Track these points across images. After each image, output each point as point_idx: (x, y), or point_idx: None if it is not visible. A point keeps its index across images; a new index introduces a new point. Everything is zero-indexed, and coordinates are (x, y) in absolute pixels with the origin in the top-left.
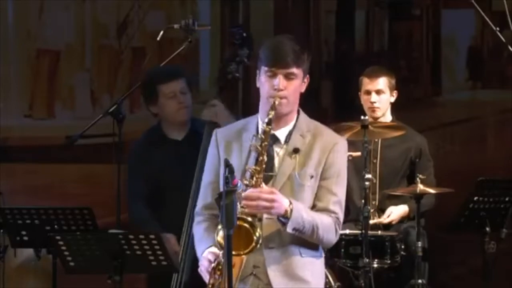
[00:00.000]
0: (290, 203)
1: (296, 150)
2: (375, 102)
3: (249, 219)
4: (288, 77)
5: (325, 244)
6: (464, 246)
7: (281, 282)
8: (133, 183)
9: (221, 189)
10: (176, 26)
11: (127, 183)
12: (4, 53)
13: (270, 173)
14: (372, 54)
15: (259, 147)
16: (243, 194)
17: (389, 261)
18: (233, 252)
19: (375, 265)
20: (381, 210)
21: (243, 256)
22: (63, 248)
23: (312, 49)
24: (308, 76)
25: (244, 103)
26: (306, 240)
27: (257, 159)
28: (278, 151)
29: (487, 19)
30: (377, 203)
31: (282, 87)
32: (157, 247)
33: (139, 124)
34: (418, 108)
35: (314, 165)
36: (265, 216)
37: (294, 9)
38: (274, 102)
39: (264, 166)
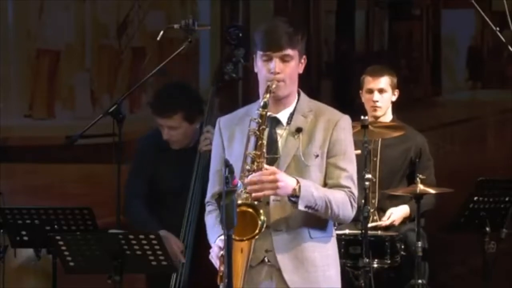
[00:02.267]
0: (298, 182)
1: (299, 130)
2: (377, 101)
3: (254, 203)
4: (284, 59)
5: (342, 219)
6: (464, 246)
7: (290, 265)
8: (134, 180)
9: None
10: (176, 26)
11: (127, 179)
12: (4, 53)
13: (275, 156)
14: (372, 54)
15: (257, 131)
16: (246, 180)
17: (389, 261)
18: (237, 238)
19: (375, 265)
20: (381, 210)
21: (252, 240)
22: (63, 248)
23: (312, 49)
24: (305, 56)
25: (244, 103)
26: (314, 222)
27: (256, 144)
28: (281, 133)
29: (487, 19)
30: (376, 203)
31: (278, 70)
32: (157, 247)
33: (139, 124)
34: (418, 108)
35: (318, 144)
36: (272, 198)
37: (294, 9)
38: (268, 86)
39: (264, 150)
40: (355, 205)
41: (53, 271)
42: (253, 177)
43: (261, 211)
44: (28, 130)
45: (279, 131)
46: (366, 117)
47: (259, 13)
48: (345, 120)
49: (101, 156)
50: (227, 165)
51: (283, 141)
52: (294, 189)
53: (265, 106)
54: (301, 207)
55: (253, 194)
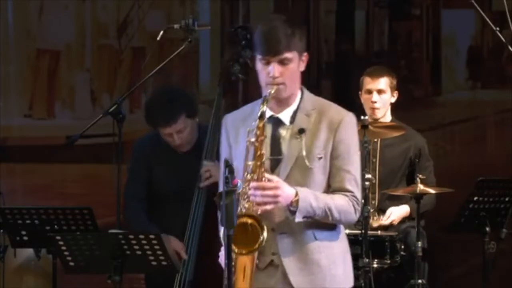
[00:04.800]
0: (296, 194)
1: (301, 131)
2: (376, 102)
3: (258, 216)
4: (283, 62)
5: (345, 223)
6: (464, 246)
7: (295, 268)
8: (131, 185)
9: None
10: (176, 26)
11: (125, 185)
12: (4, 53)
13: (277, 157)
14: (372, 54)
15: (255, 143)
16: (248, 192)
17: (389, 261)
18: (236, 250)
19: (375, 265)
20: (381, 210)
21: (253, 254)
22: (63, 248)
23: (312, 49)
24: (306, 54)
25: (245, 103)
26: (319, 223)
27: (255, 154)
28: (284, 133)
29: (487, 19)
30: (376, 203)
31: (277, 74)
32: (157, 247)
33: (139, 124)
34: (418, 108)
35: (322, 145)
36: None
37: (294, 9)
38: (265, 96)
39: (264, 160)
40: (359, 208)
41: (53, 271)
42: (256, 189)
43: (265, 226)
44: (28, 130)
45: (282, 131)
46: (366, 117)
47: (259, 13)
48: (350, 119)
49: (101, 156)
50: (227, 165)
51: (286, 142)
52: (292, 202)
53: (261, 116)
54: (298, 219)
55: (255, 208)
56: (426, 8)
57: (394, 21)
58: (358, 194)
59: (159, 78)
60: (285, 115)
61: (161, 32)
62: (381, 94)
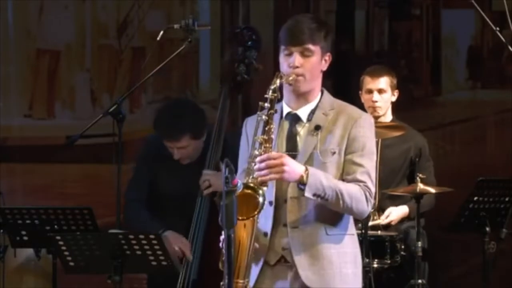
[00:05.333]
0: (306, 169)
1: (317, 127)
2: (376, 101)
3: (251, 185)
4: (304, 54)
5: (356, 213)
6: (464, 246)
7: (305, 262)
8: (133, 187)
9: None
10: (176, 26)
11: (127, 186)
12: (4, 53)
13: (293, 153)
14: (372, 54)
15: (265, 116)
16: (254, 167)
17: (389, 261)
18: (239, 218)
19: (375, 265)
20: (381, 210)
21: (255, 218)
22: (63, 248)
23: None
24: (329, 54)
25: (245, 103)
26: (331, 218)
27: (264, 128)
28: (300, 130)
29: (487, 19)
30: (377, 203)
31: (297, 64)
32: (157, 247)
33: (139, 124)
34: (418, 108)
35: (336, 141)
36: (289, 196)
37: (294, 9)
38: (281, 76)
39: (272, 135)
40: (372, 200)
41: (53, 271)
42: (259, 160)
43: (260, 191)
44: (28, 130)
45: (298, 127)
46: None
47: (259, 13)
48: (366, 119)
49: (101, 156)
50: (227, 165)
51: (302, 138)
52: (302, 176)
53: (274, 91)
54: (308, 194)
55: (259, 178)
56: (426, 8)
57: (394, 21)
58: (371, 186)
59: (159, 78)
60: (303, 112)
61: (161, 32)
62: (381, 94)
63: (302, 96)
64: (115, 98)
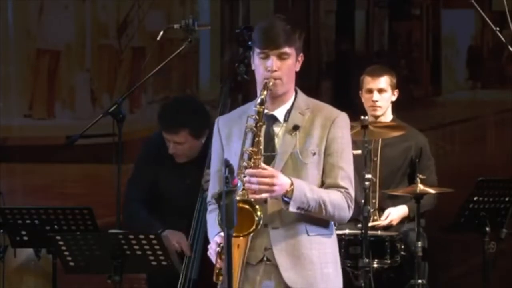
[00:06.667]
0: (292, 183)
1: (295, 127)
2: (377, 101)
3: (250, 200)
4: (281, 57)
5: (338, 220)
6: (464, 246)
7: (287, 263)
8: (134, 186)
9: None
10: (176, 26)
11: (127, 185)
12: (4, 53)
13: (271, 153)
14: (372, 54)
15: (254, 128)
16: (245, 179)
17: (389, 261)
18: (234, 234)
19: (375, 265)
20: (381, 210)
21: (248, 236)
22: (63, 248)
23: (312, 49)
24: (302, 54)
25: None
26: (313, 218)
27: (253, 140)
28: (278, 131)
29: (487, 19)
30: (377, 203)
31: (275, 68)
32: (157, 247)
33: (139, 124)
34: (418, 108)
35: (316, 142)
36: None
37: (294, 9)
38: (266, 83)
39: (261, 147)
40: (352, 205)
41: (53, 271)
42: (250, 174)
43: (257, 207)
44: (28, 130)
45: (276, 128)
46: (366, 117)
47: (259, 13)
48: (343, 118)
49: (101, 156)
50: (227, 165)
51: (280, 139)
52: (287, 191)
53: (262, 103)
54: (292, 208)
55: (250, 195)
56: (426, 8)
57: (394, 21)
58: (352, 191)
59: (159, 78)
60: (279, 113)
61: (161, 32)
62: (381, 93)
63: (278, 98)
64: (115, 98)
